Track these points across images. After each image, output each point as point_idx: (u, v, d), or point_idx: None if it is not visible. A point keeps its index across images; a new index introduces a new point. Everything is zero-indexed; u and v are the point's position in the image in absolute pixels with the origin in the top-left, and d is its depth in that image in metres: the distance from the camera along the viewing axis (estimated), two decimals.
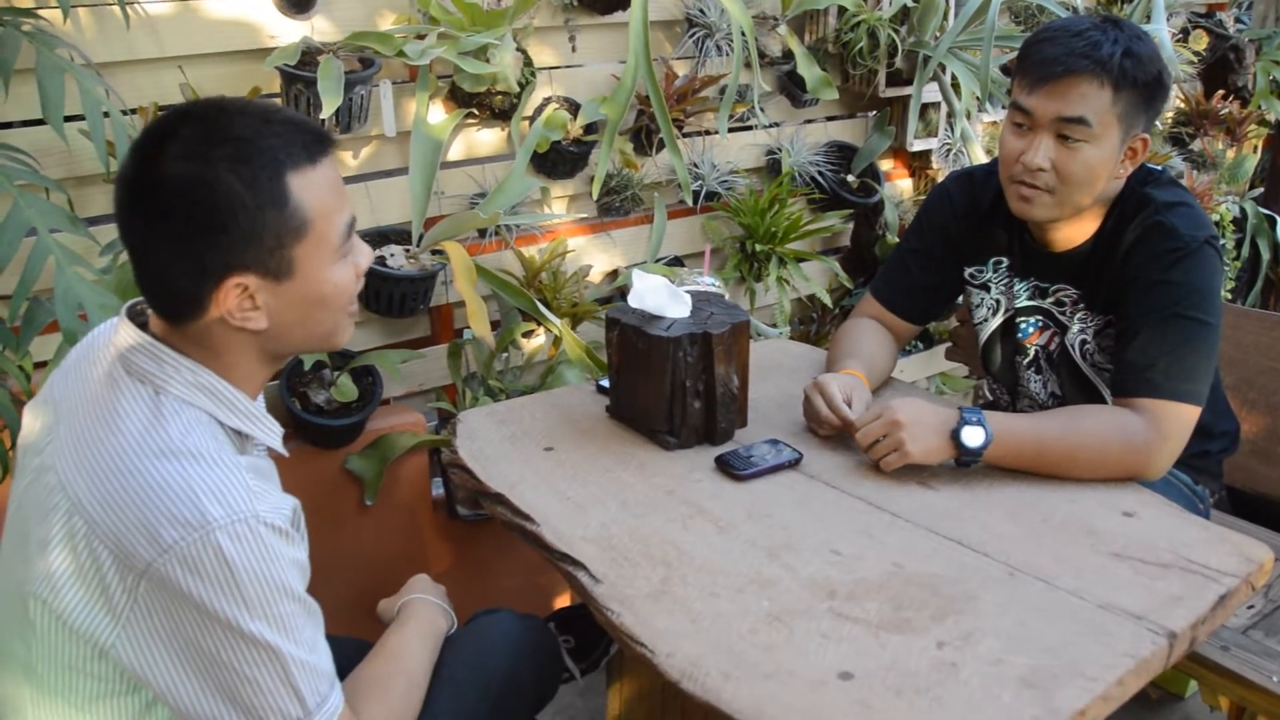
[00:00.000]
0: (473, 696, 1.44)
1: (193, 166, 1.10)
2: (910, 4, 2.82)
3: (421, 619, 1.49)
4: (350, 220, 1.22)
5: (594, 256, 2.61)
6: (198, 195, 1.10)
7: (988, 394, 2.12)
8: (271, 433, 1.27)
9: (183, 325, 1.18)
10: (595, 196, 2.47)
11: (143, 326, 1.21)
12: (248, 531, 1.09)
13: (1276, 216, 3.92)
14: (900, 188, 3.20)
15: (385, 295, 2.23)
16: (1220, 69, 3.76)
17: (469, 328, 2.22)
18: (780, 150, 2.84)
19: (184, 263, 1.13)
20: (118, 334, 1.21)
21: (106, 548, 1.09)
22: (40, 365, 1.87)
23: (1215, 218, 3.65)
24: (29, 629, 1.14)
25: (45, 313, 1.73)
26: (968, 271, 1.96)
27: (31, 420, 1.25)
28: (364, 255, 1.27)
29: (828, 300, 2.88)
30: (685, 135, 2.68)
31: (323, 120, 2.03)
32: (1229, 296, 3.87)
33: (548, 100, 2.44)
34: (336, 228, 1.19)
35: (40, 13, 1.84)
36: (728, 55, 2.60)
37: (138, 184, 1.13)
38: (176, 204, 1.11)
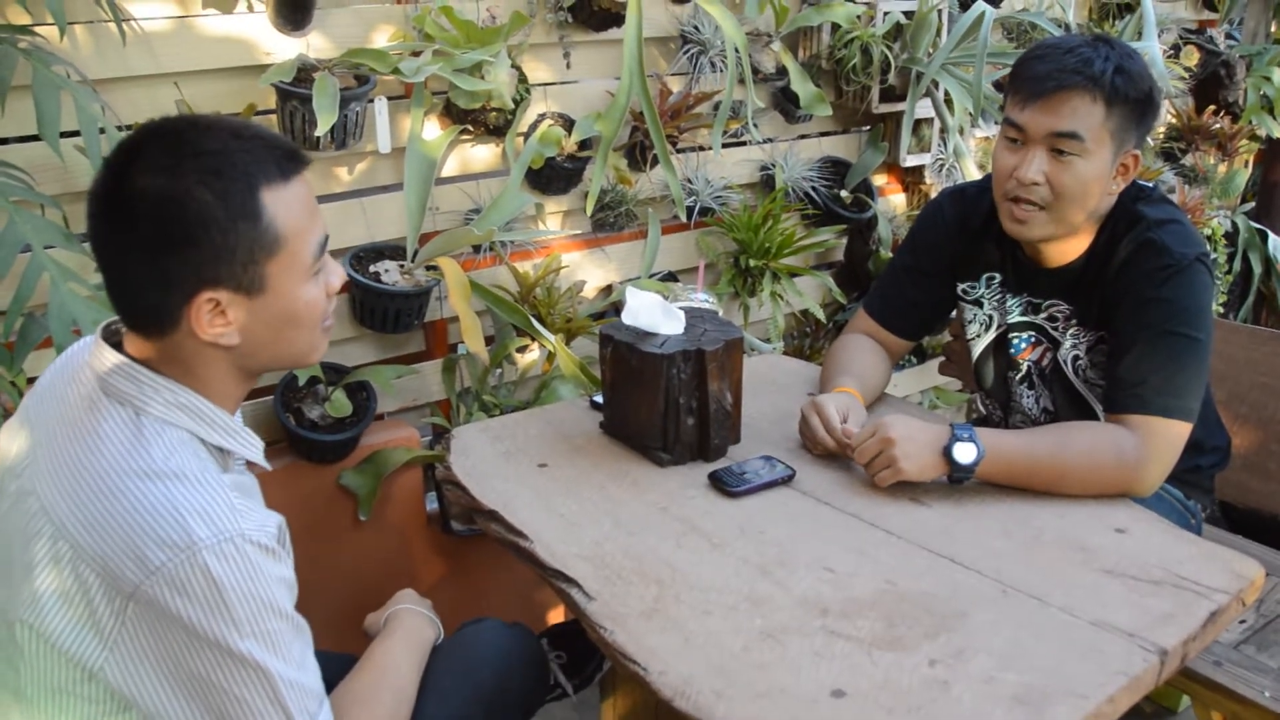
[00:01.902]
0: (461, 707, 1.43)
1: (162, 179, 1.10)
2: (903, 21, 2.84)
3: (408, 629, 1.49)
4: (323, 239, 1.22)
5: (588, 272, 2.62)
6: (168, 208, 1.10)
7: (981, 409, 2.12)
8: (252, 446, 1.27)
9: (156, 341, 1.18)
10: (589, 212, 2.48)
11: (117, 346, 1.20)
12: (234, 551, 1.09)
13: (1268, 231, 3.94)
14: (894, 203, 3.21)
15: (380, 311, 2.23)
16: (1211, 85, 3.78)
17: (463, 343, 2.23)
18: (774, 166, 2.85)
19: (154, 276, 1.13)
20: (94, 355, 1.20)
21: (93, 571, 1.09)
22: (35, 381, 1.87)
23: (1207, 232, 3.67)
24: (17, 653, 1.14)
25: (39, 329, 1.73)
26: (960, 287, 1.97)
27: (8, 442, 1.24)
28: (336, 275, 1.27)
29: (821, 315, 2.89)
30: (679, 151, 2.68)
31: (318, 137, 2.04)
32: (1221, 311, 3.88)
33: (542, 116, 2.45)
34: (309, 246, 1.19)
35: (37, 30, 1.85)
36: (722, 71, 2.61)
37: (108, 197, 1.13)
38: (146, 217, 1.10)
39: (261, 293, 1.16)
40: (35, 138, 1.83)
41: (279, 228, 1.15)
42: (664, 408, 1.66)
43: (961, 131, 2.97)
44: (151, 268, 1.12)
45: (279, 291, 1.18)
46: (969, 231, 1.92)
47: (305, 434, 2.15)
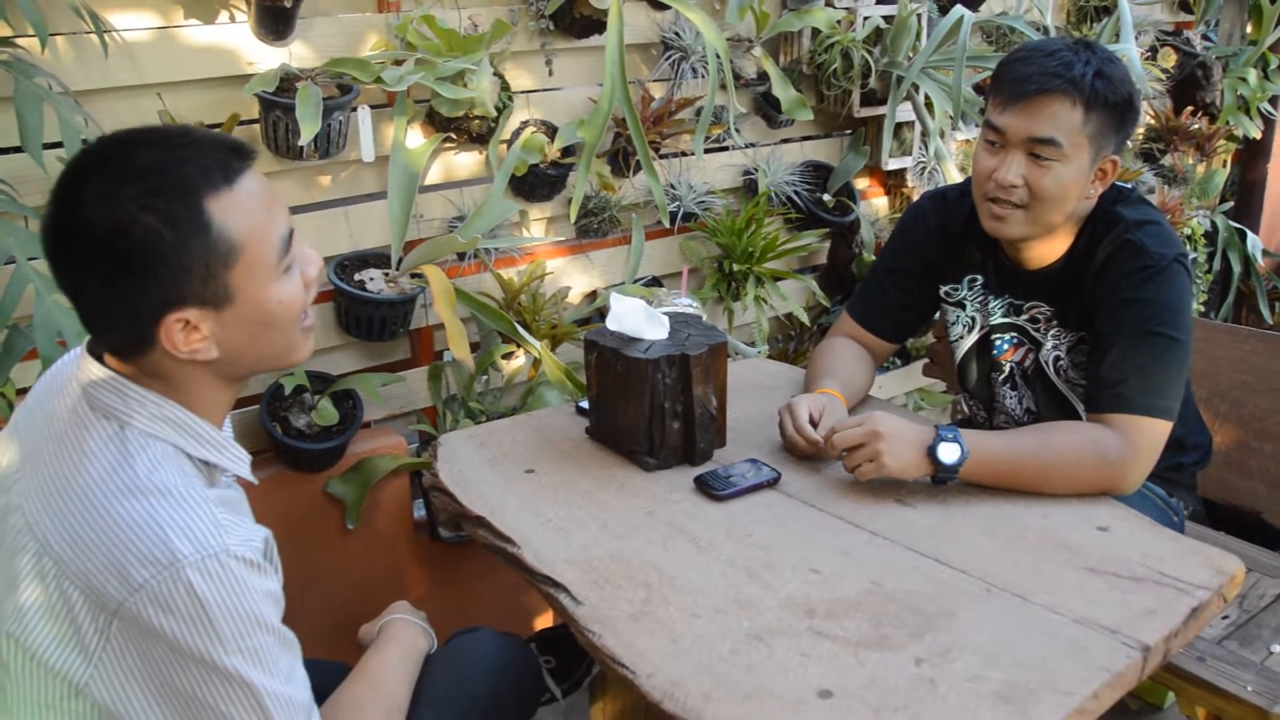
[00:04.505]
0: (454, 717, 1.43)
1: (105, 209, 1.07)
2: (883, 25, 2.86)
3: (402, 640, 1.48)
4: (286, 234, 1.18)
5: (573, 278, 2.62)
6: (115, 240, 1.07)
7: (965, 409, 2.14)
8: (239, 461, 1.25)
9: (135, 361, 1.16)
10: (573, 218, 2.49)
11: (103, 359, 1.19)
12: (218, 566, 1.08)
13: (1247, 230, 3.97)
14: (876, 206, 3.23)
15: (365, 319, 2.24)
16: (1189, 86, 3.81)
17: (449, 350, 2.23)
18: (757, 170, 2.86)
19: (117, 306, 1.11)
20: (80, 368, 1.19)
21: (77, 588, 1.08)
22: (24, 391, 1.87)
23: (1187, 232, 3.70)
24: (2, 669, 1.14)
25: (24, 340, 1.73)
26: (943, 289, 1.99)
27: None
28: (312, 264, 1.23)
29: (805, 318, 2.90)
30: (662, 157, 2.70)
31: (301, 146, 2.04)
32: (1201, 310, 3.91)
33: (525, 124, 2.46)
34: (270, 245, 1.16)
35: (18, 42, 1.85)
36: (703, 77, 2.62)
37: (58, 231, 1.10)
38: (96, 250, 1.08)
39: (230, 303, 1.14)
40: (18, 149, 1.83)
41: (231, 235, 1.12)
42: (649, 412, 1.67)
43: (942, 134, 2.99)
44: (112, 299, 1.11)
45: (247, 298, 1.15)
46: (950, 234, 1.94)
47: (292, 443, 2.15)
